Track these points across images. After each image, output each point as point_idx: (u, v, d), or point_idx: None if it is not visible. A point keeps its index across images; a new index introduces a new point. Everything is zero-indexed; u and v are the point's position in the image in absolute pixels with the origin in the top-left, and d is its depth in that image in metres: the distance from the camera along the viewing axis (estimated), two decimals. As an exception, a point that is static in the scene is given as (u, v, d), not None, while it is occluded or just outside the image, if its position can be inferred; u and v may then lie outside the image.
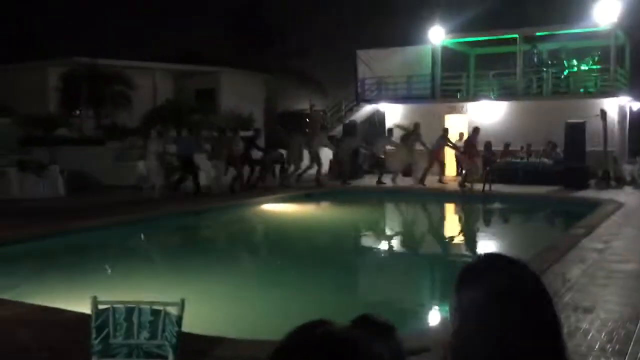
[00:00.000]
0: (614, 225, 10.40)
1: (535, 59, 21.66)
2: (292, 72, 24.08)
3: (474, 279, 1.22)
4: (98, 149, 17.75)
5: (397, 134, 19.26)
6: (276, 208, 14.51)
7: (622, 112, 19.79)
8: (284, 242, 11.71)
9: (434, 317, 6.64)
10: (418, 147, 17.58)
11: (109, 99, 20.22)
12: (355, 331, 0.99)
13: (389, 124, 21.94)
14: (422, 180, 16.99)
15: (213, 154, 15.40)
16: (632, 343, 4.64)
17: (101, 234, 10.46)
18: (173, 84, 25.06)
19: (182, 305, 2.82)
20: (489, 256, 1.29)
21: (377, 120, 23.30)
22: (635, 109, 21.65)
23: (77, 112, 21.94)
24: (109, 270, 8.73)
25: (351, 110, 23.84)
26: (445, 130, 17.83)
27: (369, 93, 23.82)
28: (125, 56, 23.31)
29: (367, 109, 23.49)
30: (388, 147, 18.23)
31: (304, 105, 26.68)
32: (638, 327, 5.02)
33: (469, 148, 16.72)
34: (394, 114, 22.42)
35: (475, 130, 17.09)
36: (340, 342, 0.95)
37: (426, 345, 3.99)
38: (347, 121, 22.60)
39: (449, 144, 17.62)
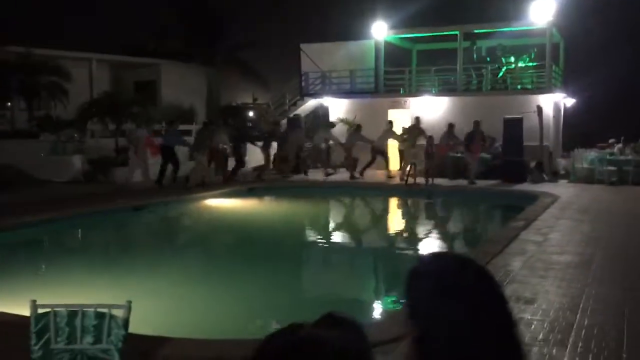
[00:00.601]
0: (551, 217, 10.76)
1: (475, 56, 22.19)
2: (235, 65, 23.81)
3: (425, 278, 1.20)
4: (30, 142, 17.06)
5: (341, 129, 19.33)
6: (219, 204, 14.31)
7: (556, 108, 20.51)
8: (226, 239, 11.58)
9: (379, 311, 6.69)
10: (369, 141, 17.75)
11: (42, 90, 19.44)
12: (329, 332, 1.00)
13: (333, 118, 22.03)
14: (361, 172, 17.20)
15: (195, 147, 15.66)
16: (573, 332, 4.79)
17: (34, 231, 10.04)
18: (111, 76, 24.35)
19: (129, 307, 2.69)
20: (439, 255, 1.28)
21: (321, 114, 23.34)
22: (569, 105, 22.50)
23: (8, 104, 21.02)
24: (40, 271, 8.39)
25: (295, 104, 23.78)
26: (390, 124, 18.04)
27: (313, 87, 23.81)
28: (61, 46, 22.45)
29: (311, 103, 23.49)
30: (330, 142, 18.29)
31: (247, 98, 26.44)
32: (578, 316, 5.20)
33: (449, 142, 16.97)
34: (338, 108, 22.52)
35: (451, 126, 17.24)
36: (316, 345, 0.96)
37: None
38: (291, 115, 22.53)
39: (394, 137, 17.83)
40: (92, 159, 16.46)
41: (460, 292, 1.16)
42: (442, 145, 16.92)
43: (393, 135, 17.81)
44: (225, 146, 16.73)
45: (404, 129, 17.64)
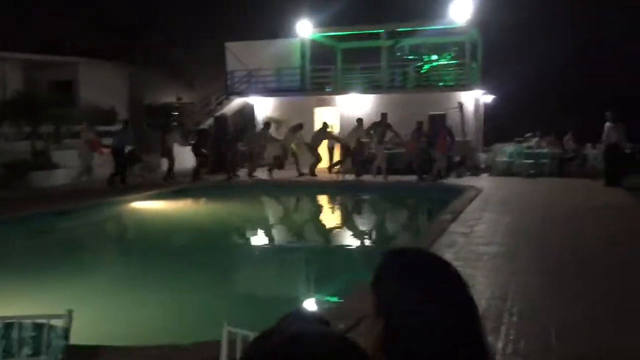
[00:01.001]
0: (476, 210, 11.16)
1: (398, 54, 22.69)
2: (159, 64, 23.21)
3: (393, 274, 1.22)
4: None
5: (272, 128, 19.30)
6: (149, 205, 13.96)
7: (477, 104, 21.29)
8: (158, 242, 11.27)
9: (315, 306, 6.73)
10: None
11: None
12: (307, 331, 1.00)
13: (260, 117, 21.93)
14: (311, 172, 17.35)
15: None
16: (503, 320, 4.99)
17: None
18: (24, 76, 23.17)
19: (69, 317, 2.58)
20: (406, 250, 1.30)
21: (247, 113, 23.18)
22: (488, 101, 23.40)
23: None
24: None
25: (221, 103, 23.51)
26: (325, 124, 18.16)
27: (239, 86, 23.64)
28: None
29: (237, 102, 23.31)
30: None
31: (171, 98, 25.87)
32: (508, 304, 5.43)
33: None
34: (265, 107, 22.47)
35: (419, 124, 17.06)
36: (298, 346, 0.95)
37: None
38: (217, 114, 22.25)
39: (331, 136, 17.98)
40: (7, 164, 15.64)
41: (428, 286, 1.18)
42: (412, 141, 16.84)
43: (327, 135, 17.94)
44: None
45: (372, 124, 17.48)
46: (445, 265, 1.25)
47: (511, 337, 4.61)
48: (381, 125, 17.06)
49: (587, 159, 18.72)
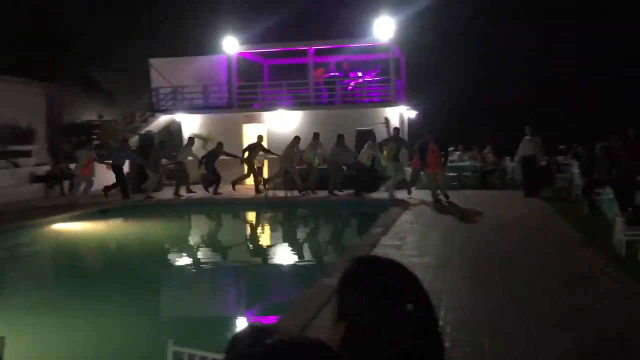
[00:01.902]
0: (405, 222, 11.41)
1: (325, 71, 23.00)
2: (79, 81, 22.43)
3: (357, 282, 1.24)
4: None
5: (197, 144, 19.02)
6: (69, 227, 13.39)
7: (401, 119, 21.84)
8: (80, 265, 10.85)
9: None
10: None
11: None
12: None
13: (186, 134, 21.60)
14: (258, 189, 17.23)
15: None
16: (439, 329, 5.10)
17: None
18: None
19: (2, 343, 2.44)
20: (367, 259, 1.31)
21: (174, 130, 22.78)
22: (412, 116, 24.06)
23: None
24: None
25: (146, 120, 22.98)
26: (260, 138, 18.02)
27: (165, 103, 23.21)
28: None
29: (163, 119, 22.87)
30: (189, 157, 17.88)
31: (92, 115, 25.02)
32: (442, 313, 5.56)
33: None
34: (191, 124, 22.16)
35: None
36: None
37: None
38: (142, 132, 21.73)
39: (265, 150, 17.89)
40: None
41: (390, 294, 1.20)
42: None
43: (262, 149, 17.85)
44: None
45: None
46: (408, 273, 1.27)
47: (446, 345, 4.72)
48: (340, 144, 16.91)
49: (506, 172, 19.57)
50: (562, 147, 19.58)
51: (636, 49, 30.73)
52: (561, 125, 26.08)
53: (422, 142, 14.50)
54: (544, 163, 15.87)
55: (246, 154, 17.49)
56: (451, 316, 5.46)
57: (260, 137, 18.01)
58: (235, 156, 17.66)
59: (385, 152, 15.71)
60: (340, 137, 16.75)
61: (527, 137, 15.18)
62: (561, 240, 9.33)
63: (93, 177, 16.51)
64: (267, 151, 17.89)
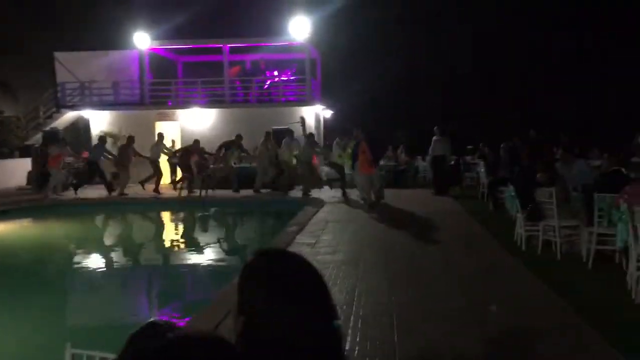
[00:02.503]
0: (320, 221, 11.50)
1: (241, 69, 22.82)
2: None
3: (255, 276, 1.24)
4: None
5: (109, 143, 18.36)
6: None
7: (317, 118, 22.01)
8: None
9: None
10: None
11: None
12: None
13: (95, 131, 20.78)
14: (155, 189, 16.77)
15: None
16: (351, 324, 5.18)
17: None
18: None
19: None
20: (268, 253, 1.32)
21: (82, 127, 21.84)
22: (327, 116, 24.30)
23: None
24: None
25: (51, 117, 21.90)
26: (160, 136, 17.59)
27: (71, 99, 22.21)
28: None
29: (70, 115, 21.88)
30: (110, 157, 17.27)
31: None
32: (354, 308, 5.65)
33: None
34: (100, 121, 21.33)
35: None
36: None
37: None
38: (47, 128, 20.69)
39: (164, 150, 17.45)
40: None
41: (288, 288, 1.20)
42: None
43: (163, 148, 17.43)
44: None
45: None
46: (308, 267, 1.27)
47: (358, 340, 4.80)
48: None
49: (418, 171, 20.17)
50: (469, 147, 20.40)
51: (540, 54, 32.59)
52: (469, 126, 27.19)
53: (356, 143, 13.56)
54: (452, 162, 16.49)
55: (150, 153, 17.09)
56: (363, 311, 5.55)
57: (160, 135, 17.62)
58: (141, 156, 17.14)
59: (345, 152, 15.59)
60: (310, 136, 16.56)
61: (435, 138, 15.70)
62: (467, 236, 9.72)
63: (63, 173, 16.81)
64: (166, 151, 17.52)
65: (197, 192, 15.96)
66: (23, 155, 19.27)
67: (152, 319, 1.13)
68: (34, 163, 17.63)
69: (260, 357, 1.15)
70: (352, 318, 5.34)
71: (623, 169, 7.41)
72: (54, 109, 22.04)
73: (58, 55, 22.18)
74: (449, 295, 6.22)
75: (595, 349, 4.51)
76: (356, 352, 4.53)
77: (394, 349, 4.62)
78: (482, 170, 14.72)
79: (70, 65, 21.95)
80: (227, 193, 16.40)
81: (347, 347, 4.56)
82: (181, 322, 6.31)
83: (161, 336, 1.02)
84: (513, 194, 8.57)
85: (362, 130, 14.04)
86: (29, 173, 18.08)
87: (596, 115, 30.05)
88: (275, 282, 1.20)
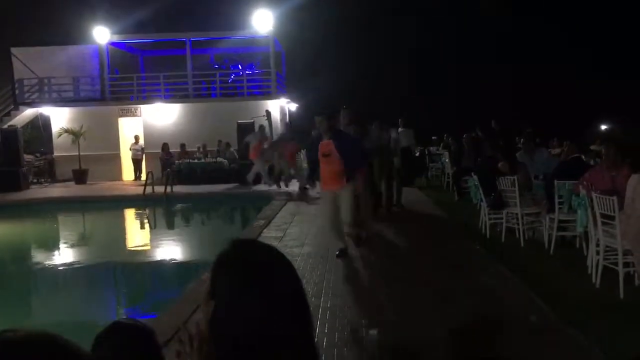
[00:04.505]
0: (287, 215, 11.48)
1: (205, 62, 22.61)
2: None
3: (228, 263, 1.24)
4: None
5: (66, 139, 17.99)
6: None
7: (282, 112, 21.95)
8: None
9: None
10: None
11: None
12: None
13: (55, 128, 20.34)
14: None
15: None
16: (319, 315, 5.20)
17: None
18: None
19: None
20: (243, 242, 1.32)
21: (42, 125, 21.35)
22: (293, 109, 24.25)
23: None
24: None
25: (8, 114, 21.34)
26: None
27: (30, 95, 21.68)
28: None
29: (29, 112, 21.36)
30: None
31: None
32: (322, 300, 5.67)
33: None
34: (61, 117, 20.87)
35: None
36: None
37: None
38: (5, 126, 20.16)
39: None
40: None
41: (257, 276, 1.20)
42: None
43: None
44: None
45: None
46: (279, 257, 1.27)
47: (326, 331, 4.82)
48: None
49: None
50: (434, 138, 20.61)
51: (503, 49, 33.08)
52: (434, 117, 27.48)
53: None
54: (417, 153, 16.63)
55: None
56: (331, 302, 5.57)
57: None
58: None
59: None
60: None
61: (400, 129, 15.79)
62: (434, 225, 9.84)
63: None
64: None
65: (162, 189, 15.76)
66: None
67: (117, 319, 1.11)
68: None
69: (227, 349, 1.14)
70: (319, 310, 5.36)
71: (583, 156, 7.59)
72: (11, 107, 21.49)
73: (15, 50, 21.60)
74: (416, 283, 6.28)
75: (558, 330, 4.62)
76: (324, 343, 4.54)
77: (360, 339, 4.65)
78: (447, 160, 14.88)
79: (28, 61, 21.40)
80: (191, 188, 16.24)
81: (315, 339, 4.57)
82: (147, 320, 6.23)
83: (126, 335, 1.00)
84: (477, 183, 8.70)
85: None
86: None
87: (556, 105, 30.72)
88: (246, 269, 1.21)
